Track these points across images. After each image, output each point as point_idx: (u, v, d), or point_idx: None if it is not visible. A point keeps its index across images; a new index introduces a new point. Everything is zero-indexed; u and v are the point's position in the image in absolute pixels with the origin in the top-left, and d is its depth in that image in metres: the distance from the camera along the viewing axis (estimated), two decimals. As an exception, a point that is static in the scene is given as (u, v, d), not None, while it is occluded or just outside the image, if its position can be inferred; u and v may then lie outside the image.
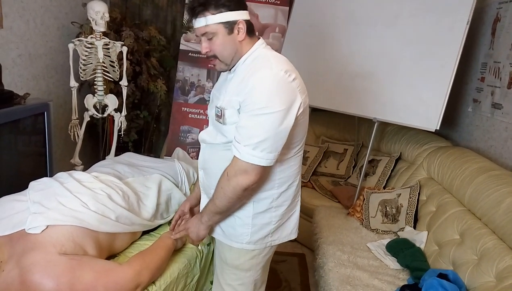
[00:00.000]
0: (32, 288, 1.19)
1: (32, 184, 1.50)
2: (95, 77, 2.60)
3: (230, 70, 1.36)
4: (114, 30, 3.01)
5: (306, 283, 2.56)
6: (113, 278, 1.30)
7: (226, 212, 1.37)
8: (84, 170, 2.03)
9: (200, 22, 1.27)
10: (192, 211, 1.68)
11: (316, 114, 3.33)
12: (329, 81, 2.90)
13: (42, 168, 2.03)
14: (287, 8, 3.41)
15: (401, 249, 2.08)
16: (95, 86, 2.64)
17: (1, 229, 1.30)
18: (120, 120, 2.75)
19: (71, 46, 2.51)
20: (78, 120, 2.65)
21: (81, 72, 2.57)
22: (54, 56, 2.76)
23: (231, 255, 1.45)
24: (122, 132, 2.81)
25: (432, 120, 2.38)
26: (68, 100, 2.77)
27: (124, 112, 2.77)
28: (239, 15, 1.28)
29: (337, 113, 2.92)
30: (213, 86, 1.76)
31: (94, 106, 2.68)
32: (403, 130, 2.92)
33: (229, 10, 1.26)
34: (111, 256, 1.54)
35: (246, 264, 1.44)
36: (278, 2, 3.43)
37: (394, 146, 2.97)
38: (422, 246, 2.08)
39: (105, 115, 2.73)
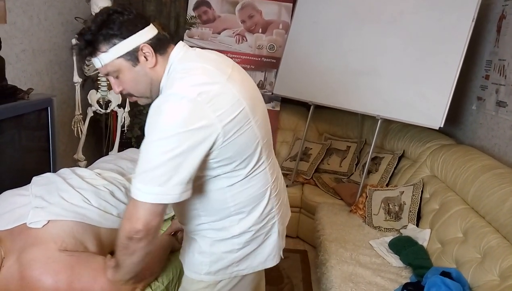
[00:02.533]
0: (31, 284, 1.20)
1: (35, 179, 1.50)
2: (99, 73, 2.60)
3: None
4: (117, 25, 3.01)
5: (308, 280, 2.57)
6: None
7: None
8: (88, 165, 2.04)
9: (95, 63, 1.07)
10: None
11: (319, 111, 3.33)
12: (332, 78, 2.89)
13: (45, 163, 2.03)
14: (291, 4, 3.39)
15: (403, 247, 2.07)
16: (98, 82, 2.63)
17: (3, 223, 1.31)
18: (123, 116, 2.76)
19: (74, 41, 2.50)
20: (81, 116, 2.66)
21: (84, 68, 2.57)
22: (58, 52, 2.76)
23: (187, 279, 1.25)
24: (125, 128, 2.82)
25: (436, 118, 2.37)
26: (71, 95, 2.77)
27: (127, 108, 2.77)
28: (139, 38, 1.05)
29: (340, 110, 2.91)
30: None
31: (98, 102, 2.68)
32: (406, 128, 2.91)
33: (124, 38, 1.03)
34: (113, 252, 1.54)
35: None
36: (282, -1, 3.42)
37: (397, 143, 2.96)
38: (425, 244, 2.08)
39: (108, 111, 2.73)
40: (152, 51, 1.06)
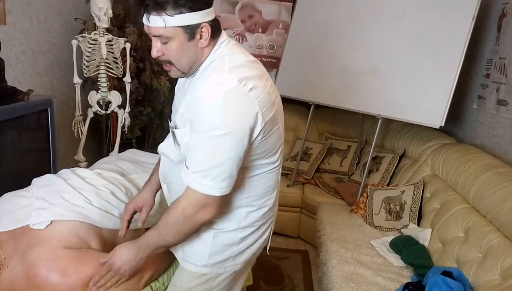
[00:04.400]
0: (38, 282, 1.20)
1: (35, 181, 1.50)
2: (99, 73, 2.60)
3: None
4: (117, 26, 3.01)
5: (309, 280, 2.56)
6: None
7: (176, 245, 1.20)
8: (88, 166, 2.04)
9: (154, 22, 1.03)
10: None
11: (320, 110, 3.32)
12: (333, 78, 2.88)
13: (46, 164, 2.04)
14: (291, 4, 3.39)
15: (404, 246, 2.07)
16: (98, 83, 2.64)
17: (5, 224, 1.31)
18: (123, 117, 2.76)
19: (74, 42, 2.51)
20: (81, 117, 2.66)
21: (84, 69, 2.57)
22: (58, 53, 2.76)
23: (182, 275, 1.27)
24: (125, 129, 2.82)
25: (436, 117, 2.36)
26: (71, 96, 2.77)
27: (127, 109, 2.77)
28: (203, 17, 1.05)
29: (341, 109, 2.90)
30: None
31: (98, 103, 2.68)
32: (407, 127, 2.91)
33: (192, 11, 1.02)
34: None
35: (197, 289, 1.23)
36: (282, -2, 3.42)
37: (398, 142, 2.95)
38: (426, 244, 2.08)
39: (108, 112, 2.73)
40: (209, 33, 1.07)
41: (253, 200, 1.19)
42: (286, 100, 3.43)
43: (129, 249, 1.18)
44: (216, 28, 1.10)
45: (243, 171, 1.13)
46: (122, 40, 2.61)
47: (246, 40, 3.46)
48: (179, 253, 1.28)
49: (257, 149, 1.10)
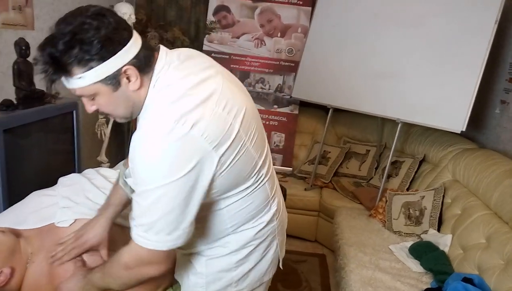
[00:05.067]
0: (56, 282, 1.24)
1: (61, 180, 1.55)
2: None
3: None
4: (139, 31, 3.07)
5: (326, 284, 2.55)
6: None
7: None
8: (110, 167, 2.09)
9: (66, 84, 0.89)
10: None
11: (338, 114, 3.32)
12: (352, 82, 2.88)
13: (70, 164, 2.10)
14: (310, 8, 3.40)
15: (424, 252, 2.04)
16: (121, 86, 2.70)
17: (32, 222, 1.35)
18: (144, 119, 2.81)
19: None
20: (104, 119, 2.73)
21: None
22: (82, 57, 2.85)
23: None
24: (146, 131, 2.87)
25: (458, 121, 2.33)
26: (95, 99, 2.85)
27: (148, 111, 2.82)
28: (122, 59, 0.87)
29: (359, 113, 2.89)
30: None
31: (120, 106, 2.74)
32: (427, 131, 2.87)
33: (104, 60, 0.84)
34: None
35: None
36: (301, 3, 3.43)
37: (418, 147, 2.92)
38: (446, 250, 2.05)
39: (130, 114, 2.79)
40: (137, 73, 0.89)
41: (240, 225, 1.08)
42: (304, 104, 3.48)
43: (77, 280, 1.13)
44: (145, 61, 0.91)
45: (216, 204, 1.03)
46: (144, 44, 2.67)
47: (265, 45, 3.48)
48: (181, 283, 1.23)
49: (220, 183, 0.96)
